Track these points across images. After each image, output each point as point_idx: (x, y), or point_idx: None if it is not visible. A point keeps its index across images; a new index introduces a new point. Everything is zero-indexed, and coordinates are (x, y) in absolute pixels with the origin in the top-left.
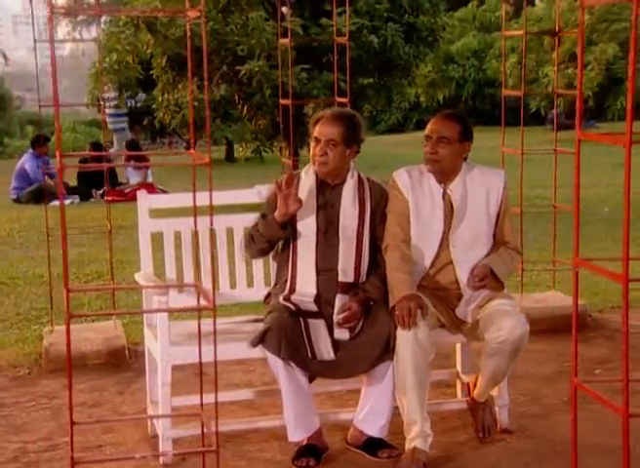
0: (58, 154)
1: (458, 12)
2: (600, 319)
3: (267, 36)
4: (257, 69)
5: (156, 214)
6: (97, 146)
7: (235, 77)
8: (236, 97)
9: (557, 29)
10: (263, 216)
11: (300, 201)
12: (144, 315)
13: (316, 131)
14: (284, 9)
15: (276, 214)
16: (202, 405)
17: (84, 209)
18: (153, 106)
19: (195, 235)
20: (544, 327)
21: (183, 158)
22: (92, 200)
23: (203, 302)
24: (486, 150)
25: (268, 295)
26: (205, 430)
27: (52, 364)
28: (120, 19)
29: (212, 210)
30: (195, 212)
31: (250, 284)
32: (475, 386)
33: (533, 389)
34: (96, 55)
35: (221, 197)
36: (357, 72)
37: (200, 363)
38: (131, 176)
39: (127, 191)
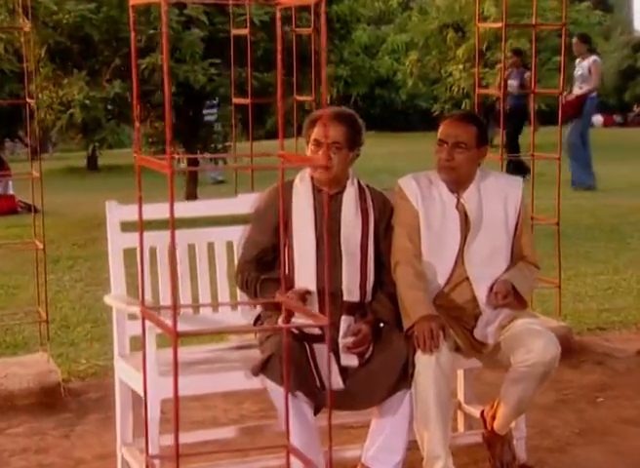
0: None
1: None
2: (582, 342)
3: (172, 25)
4: (160, 63)
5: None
6: None
7: (129, 72)
8: (128, 95)
9: (534, 22)
10: (263, 284)
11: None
12: (115, 344)
13: (315, 132)
14: None
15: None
16: (288, 435)
17: None
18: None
19: (284, 242)
20: None
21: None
22: None
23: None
24: (383, 158)
25: (258, 318)
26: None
27: None
28: None
29: (328, 218)
30: (283, 217)
31: (234, 306)
32: (493, 417)
33: (539, 420)
34: None
35: (199, 208)
36: (266, 67)
37: (286, 391)
38: None
39: None
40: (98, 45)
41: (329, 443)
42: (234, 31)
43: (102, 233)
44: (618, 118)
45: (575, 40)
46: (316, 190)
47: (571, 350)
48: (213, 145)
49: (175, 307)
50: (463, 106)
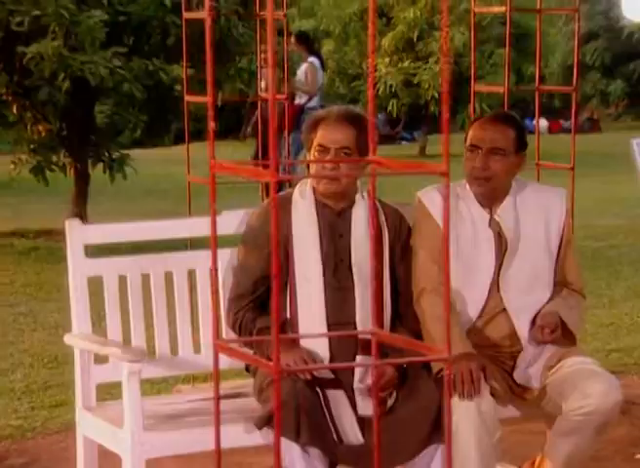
0: None
1: None
2: None
3: (67, 4)
4: (50, 52)
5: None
6: None
7: (5, 62)
8: (4, 92)
9: (539, 6)
10: (260, 333)
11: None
12: (80, 395)
13: (320, 136)
14: None
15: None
16: None
17: None
18: None
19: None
20: None
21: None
22: None
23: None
24: None
25: None
26: None
27: None
28: None
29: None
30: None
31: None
32: None
33: None
34: None
35: (174, 228)
36: (175, 58)
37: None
38: None
39: None
40: None
41: None
42: (188, 15)
43: None
44: (566, 124)
45: (292, 39)
46: (320, 205)
47: None
48: (107, 154)
49: (277, 340)
50: (390, 107)
